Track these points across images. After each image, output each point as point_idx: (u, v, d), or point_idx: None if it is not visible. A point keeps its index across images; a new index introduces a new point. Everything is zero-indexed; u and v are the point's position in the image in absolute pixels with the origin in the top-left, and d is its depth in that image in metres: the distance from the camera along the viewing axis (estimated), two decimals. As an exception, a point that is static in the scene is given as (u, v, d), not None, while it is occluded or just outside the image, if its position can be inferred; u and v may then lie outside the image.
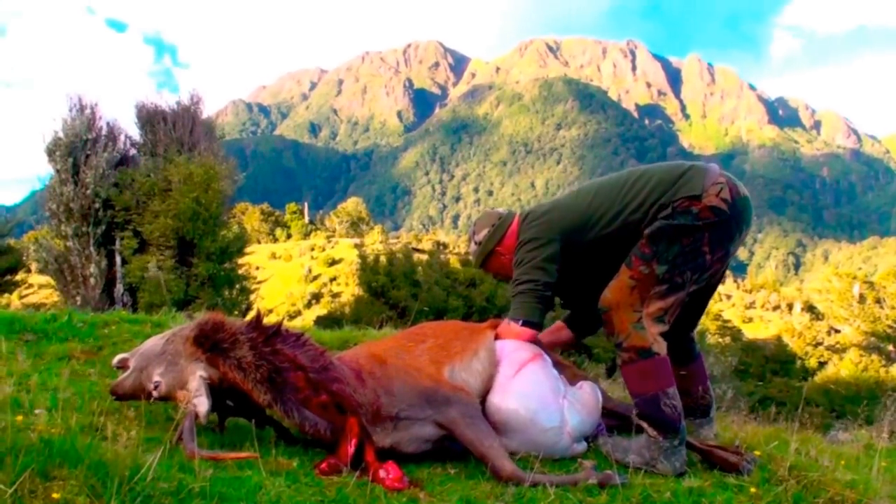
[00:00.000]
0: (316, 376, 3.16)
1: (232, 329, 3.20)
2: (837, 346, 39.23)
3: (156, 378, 3.24)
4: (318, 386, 3.16)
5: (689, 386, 3.82)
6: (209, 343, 3.18)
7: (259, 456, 2.94)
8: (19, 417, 2.93)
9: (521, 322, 3.68)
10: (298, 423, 3.16)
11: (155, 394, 3.26)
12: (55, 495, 2.02)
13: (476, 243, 4.04)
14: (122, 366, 3.47)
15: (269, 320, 3.30)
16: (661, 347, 3.39)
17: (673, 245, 3.37)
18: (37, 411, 3.24)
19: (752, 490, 3.13)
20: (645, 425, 3.39)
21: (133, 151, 16.12)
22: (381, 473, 3.00)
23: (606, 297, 3.46)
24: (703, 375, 3.98)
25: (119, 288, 14.36)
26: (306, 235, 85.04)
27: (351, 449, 3.11)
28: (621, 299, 3.41)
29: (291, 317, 44.58)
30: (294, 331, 3.36)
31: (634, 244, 3.48)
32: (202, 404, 3.07)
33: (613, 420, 3.94)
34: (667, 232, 3.38)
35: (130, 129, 16.29)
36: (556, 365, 3.87)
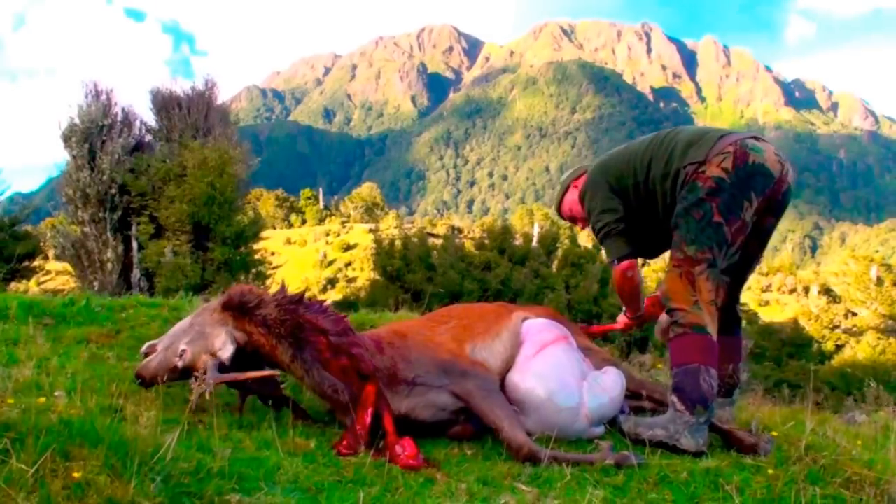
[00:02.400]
0: (336, 339, 3.23)
1: (259, 293, 3.33)
2: (854, 329, 39.02)
3: (182, 347, 3.28)
4: (338, 349, 3.22)
5: (721, 360, 3.71)
6: (237, 304, 3.25)
7: (277, 373, 3.01)
8: (40, 399, 2.95)
9: (615, 262, 3.91)
10: (318, 382, 3.23)
11: (180, 364, 3.29)
12: (76, 475, 2.04)
13: (561, 182, 4.39)
14: (151, 352, 3.50)
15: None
16: (714, 330, 3.48)
17: (689, 223, 3.50)
18: (56, 393, 3.27)
19: (770, 471, 3.12)
20: (675, 399, 3.41)
21: (148, 137, 16.17)
22: (398, 450, 3.02)
23: (663, 289, 3.63)
24: (737, 355, 3.98)
25: (136, 273, 14.42)
26: (321, 221, 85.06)
27: (367, 418, 3.13)
28: (675, 286, 3.54)
29: (307, 302, 44.37)
30: (316, 299, 3.43)
31: (670, 206, 3.68)
32: (227, 350, 3.15)
33: (635, 401, 3.95)
34: (680, 216, 3.54)
35: (146, 115, 16.37)
36: (584, 349, 3.90)
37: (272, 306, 3.23)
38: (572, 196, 4.21)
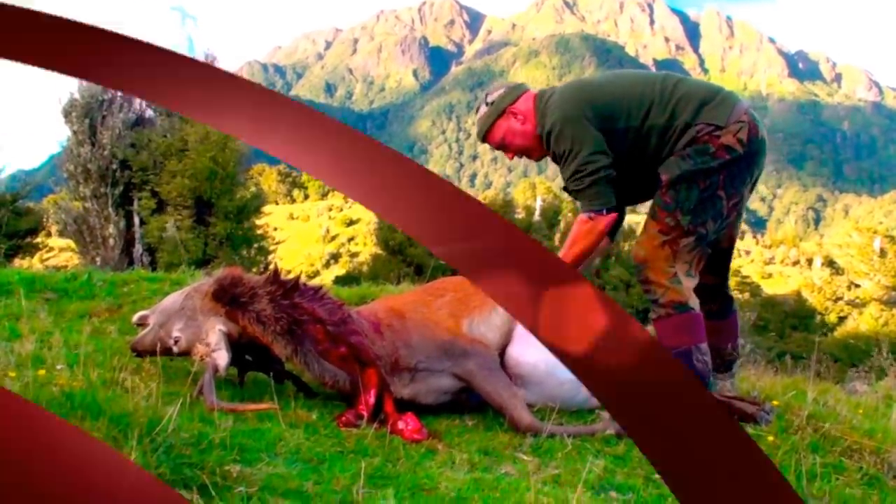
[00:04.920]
0: (335, 329, 3.18)
1: (250, 283, 3.21)
2: (857, 300, 39.05)
3: (175, 333, 3.27)
4: (337, 338, 3.17)
5: (719, 342, 3.72)
6: (228, 297, 3.20)
7: (278, 408, 2.97)
8: (41, 372, 2.96)
9: (604, 211, 3.45)
10: (318, 374, 3.19)
11: (175, 349, 3.29)
12: (77, 446, 2.04)
13: (488, 104, 3.74)
14: (142, 323, 3.51)
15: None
16: (695, 303, 3.39)
17: (691, 190, 3.33)
18: (58, 367, 3.27)
19: (770, 439, 3.13)
20: None
21: (149, 112, 16.16)
22: (400, 425, 3.03)
23: (639, 254, 3.43)
24: (735, 333, 3.89)
25: (138, 248, 14.44)
26: (324, 196, 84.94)
27: (371, 399, 3.13)
28: (654, 255, 3.39)
29: (310, 277, 44.56)
30: (312, 285, 3.37)
31: (658, 157, 3.43)
32: (222, 357, 3.10)
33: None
34: (684, 177, 3.33)
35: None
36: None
37: (265, 301, 3.14)
38: (507, 122, 3.68)
